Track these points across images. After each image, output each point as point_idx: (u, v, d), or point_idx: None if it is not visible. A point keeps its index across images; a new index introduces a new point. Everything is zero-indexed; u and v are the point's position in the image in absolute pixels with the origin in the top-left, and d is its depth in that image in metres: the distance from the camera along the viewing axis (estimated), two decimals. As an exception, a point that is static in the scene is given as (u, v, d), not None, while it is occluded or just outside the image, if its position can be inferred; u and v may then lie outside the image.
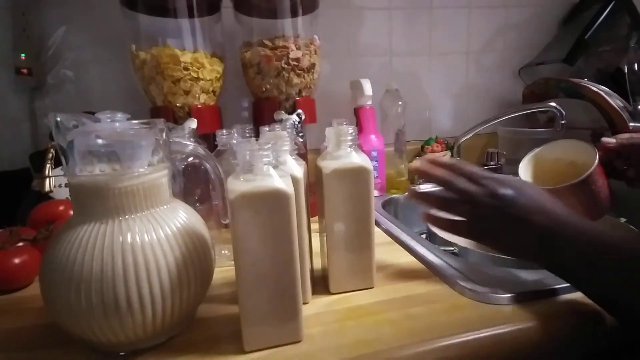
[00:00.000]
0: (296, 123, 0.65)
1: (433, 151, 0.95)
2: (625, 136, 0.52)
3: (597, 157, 0.50)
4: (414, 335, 0.36)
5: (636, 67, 0.87)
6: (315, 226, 0.46)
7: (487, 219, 0.39)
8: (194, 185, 0.52)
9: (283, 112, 0.69)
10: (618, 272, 0.33)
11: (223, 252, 0.52)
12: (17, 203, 0.63)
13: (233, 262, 0.33)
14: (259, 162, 0.33)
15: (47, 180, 0.64)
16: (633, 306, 0.32)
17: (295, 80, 0.70)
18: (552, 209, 0.37)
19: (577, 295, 0.40)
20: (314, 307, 0.42)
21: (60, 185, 0.65)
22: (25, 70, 0.72)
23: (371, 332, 0.37)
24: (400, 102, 0.83)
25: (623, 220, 0.60)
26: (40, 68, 0.75)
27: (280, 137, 0.42)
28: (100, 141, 0.33)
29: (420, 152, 0.97)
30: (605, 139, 0.53)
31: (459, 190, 0.41)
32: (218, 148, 0.52)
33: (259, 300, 0.34)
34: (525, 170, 0.57)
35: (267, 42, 0.69)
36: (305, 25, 0.73)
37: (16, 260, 0.48)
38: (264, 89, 0.71)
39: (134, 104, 0.72)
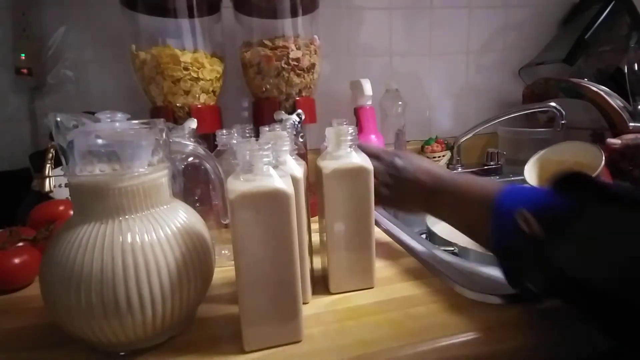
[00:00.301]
0: (296, 123, 0.65)
1: (433, 151, 0.95)
2: (630, 137, 0.52)
3: (604, 158, 0.50)
4: (414, 335, 0.36)
5: (636, 67, 0.87)
6: (315, 226, 0.46)
7: (389, 185, 0.49)
8: (194, 185, 0.52)
9: (283, 112, 0.69)
10: (470, 207, 0.41)
11: (223, 252, 0.52)
12: (17, 203, 0.63)
13: (233, 262, 0.33)
14: (259, 162, 0.33)
15: (47, 180, 0.64)
16: (481, 233, 0.40)
17: (295, 80, 0.70)
18: (434, 170, 0.47)
19: (577, 295, 0.40)
20: (314, 307, 0.42)
21: (60, 185, 0.65)
22: (25, 70, 0.72)
23: (371, 332, 0.37)
24: (400, 102, 0.83)
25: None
26: (40, 68, 0.75)
27: (280, 137, 0.42)
28: (100, 141, 0.33)
29: (420, 152, 0.97)
30: (610, 140, 0.53)
31: None
32: (218, 148, 0.52)
33: (259, 300, 0.34)
34: (530, 172, 0.57)
35: (267, 42, 0.69)
36: (305, 25, 0.73)
37: (16, 260, 0.48)
38: (264, 89, 0.71)
39: (134, 104, 0.72)
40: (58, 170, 0.65)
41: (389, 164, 0.49)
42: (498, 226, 0.36)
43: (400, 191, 0.49)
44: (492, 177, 0.91)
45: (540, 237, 0.32)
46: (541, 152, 0.59)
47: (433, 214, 0.47)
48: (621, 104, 0.76)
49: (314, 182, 0.45)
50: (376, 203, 0.50)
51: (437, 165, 0.49)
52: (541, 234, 0.32)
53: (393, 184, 0.49)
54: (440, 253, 0.51)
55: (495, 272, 0.45)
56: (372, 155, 0.50)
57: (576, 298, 0.32)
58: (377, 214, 0.68)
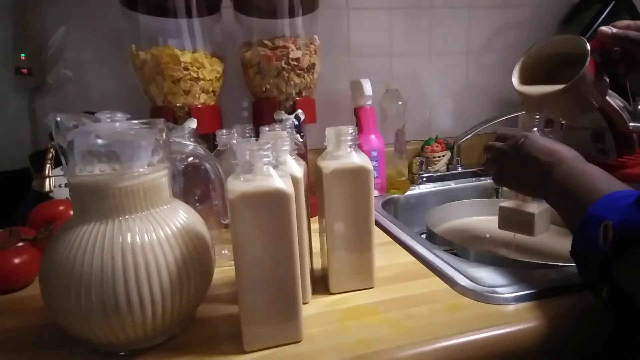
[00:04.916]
0: (295, 123, 0.65)
1: (433, 151, 0.95)
2: (622, 24, 0.50)
3: (589, 53, 0.49)
4: (414, 335, 0.36)
5: (636, 67, 0.87)
6: (315, 226, 0.46)
7: (506, 163, 0.50)
8: (194, 185, 0.52)
9: (283, 112, 0.69)
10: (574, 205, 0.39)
11: (223, 252, 0.52)
12: (17, 203, 0.63)
13: (233, 262, 0.33)
14: (259, 162, 0.33)
15: (47, 180, 0.64)
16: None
17: (295, 80, 0.70)
18: (559, 152, 0.44)
19: (577, 296, 0.40)
20: (314, 307, 0.42)
21: (60, 185, 0.65)
22: (25, 70, 0.72)
23: (371, 332, 0.37)
24: (400, 102, 0.83)
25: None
26: (40, 68, 0.75)
27: (280, 137, 0.42)
28: (100, 141, 0.33)
29: (420, 152, 0.97)
30: (602, 28, 0.51)
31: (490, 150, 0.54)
32: (218, 148, 0.52)
33: (259, 300, 0.34)
34: (516, 74, 0.58)
35: (267, 42, 0.69)
36: (305, 25, 0.73)
37: (16, 260, 0.48)
38: (264, 89, 0.71)
39: (134, 104, 0.72)
40: (58, 170, 0.65)
41: (512, 143, 0.49)
42: (581, 231, 0.36)
43: (516, 169, 0.48)
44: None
45: (607, 250, 0.32)
46: (530, 50, 0.59)
47: (544, 197, 0.45)
48: (621, 104, 0.76)
49: (314, 182, 0.45)
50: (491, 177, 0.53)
51: (569, 149, 0.45)
52: (610, 247, 0.32)
53: (510, 161, 0.49)
54: (440, 253, 0.51)
55: (494, 272, 0.45)
56: (502, 137, 0.52)
57: (633, 314, 0.33)
58: (377, 213, 0.68)
